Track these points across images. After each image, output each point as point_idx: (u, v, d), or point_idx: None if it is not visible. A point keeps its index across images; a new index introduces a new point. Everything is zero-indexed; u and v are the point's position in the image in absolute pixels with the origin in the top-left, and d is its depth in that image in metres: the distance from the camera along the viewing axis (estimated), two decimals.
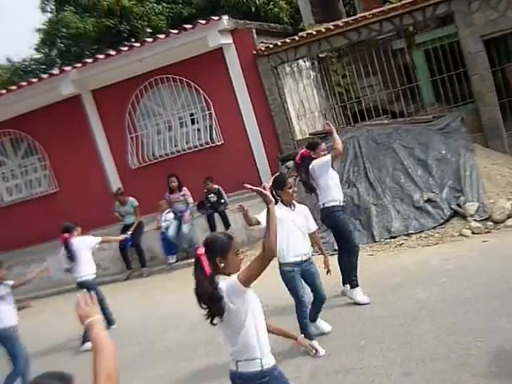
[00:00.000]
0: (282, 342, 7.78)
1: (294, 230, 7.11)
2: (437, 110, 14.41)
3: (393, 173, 12.08)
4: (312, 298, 7.49)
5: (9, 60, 28.26)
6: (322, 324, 7.70)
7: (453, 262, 9.21)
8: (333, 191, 8.53)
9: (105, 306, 10.12)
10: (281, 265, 7.18)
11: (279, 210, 6.47)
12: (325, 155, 8.45)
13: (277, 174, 7.21)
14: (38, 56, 27.33)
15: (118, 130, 15.36)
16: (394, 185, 11.89)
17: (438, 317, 7.31)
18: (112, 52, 14.15)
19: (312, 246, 7.65)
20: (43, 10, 25.73)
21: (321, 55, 16.49)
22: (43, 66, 26.58)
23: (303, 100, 15.60)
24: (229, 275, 4.22)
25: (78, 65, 14.60)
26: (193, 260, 4.36)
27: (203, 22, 13.50)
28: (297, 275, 7.18)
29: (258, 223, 6.66)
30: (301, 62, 15.70)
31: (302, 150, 8.79)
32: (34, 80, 14.76)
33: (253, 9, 21.43)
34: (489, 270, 8.43)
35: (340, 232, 8.78)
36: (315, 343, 6.26)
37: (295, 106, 14.98)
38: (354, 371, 6.52)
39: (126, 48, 14.01)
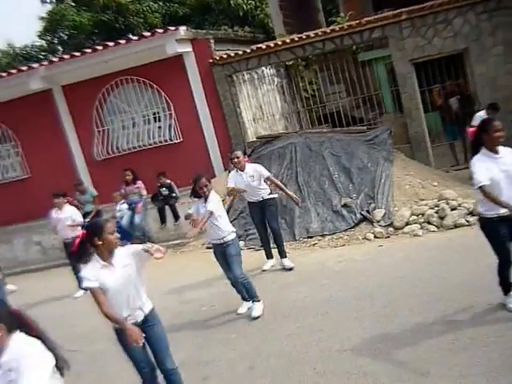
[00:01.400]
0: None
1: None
2: (392, 118, 15.66)
3: (319, 178, 13.23)
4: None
5: (10, 45, 28.94)
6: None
7: (343, 264, 10.26)
8: None
9: None
10: None
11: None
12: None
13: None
14: (41, 43, 28.25)
15: (86, 123, 16.47)
16: (319, 189, 13.04)
17: (302, 316, 8.20)
18: (77, 53, 15.26)
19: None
20: (42, 2, 26.71)
21: (288, 63, 17.69)
22: (43, 53, 27.61)
23: (262, 104, 16.75)
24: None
25: (45, 63, 15.86)
26: None
27: (161, 31, 14.63)
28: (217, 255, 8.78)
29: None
30: (264, 69, 16.88)
31: None
32: (4, 74, 15.89)
33: (241, 13, 22.51)
34: (366, 274, 9.39)
35: None
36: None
37: (251, 110, 16.18)
38: (215, 362, 7.48)
39: (89, 50, 15.16)
